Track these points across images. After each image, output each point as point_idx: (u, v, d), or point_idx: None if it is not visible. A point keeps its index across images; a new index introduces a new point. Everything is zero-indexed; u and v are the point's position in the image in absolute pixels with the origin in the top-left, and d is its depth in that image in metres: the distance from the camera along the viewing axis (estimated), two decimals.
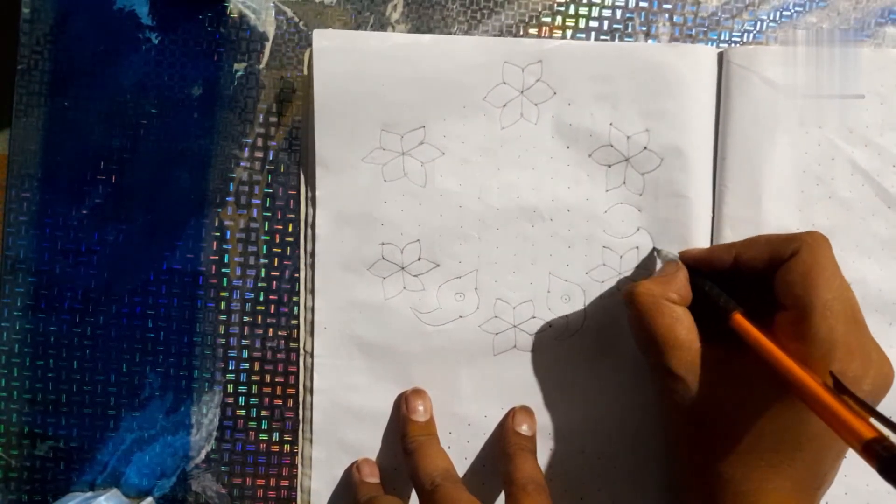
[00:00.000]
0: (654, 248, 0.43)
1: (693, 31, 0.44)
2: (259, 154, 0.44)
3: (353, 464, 0.43)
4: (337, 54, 0.42)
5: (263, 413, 0.44)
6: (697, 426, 0.37)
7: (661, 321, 0.36)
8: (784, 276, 0.35)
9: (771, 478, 0.34)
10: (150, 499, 0.44)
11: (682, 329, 0.36)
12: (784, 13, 0.44)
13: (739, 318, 0.36)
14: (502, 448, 0.42)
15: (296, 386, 0.44)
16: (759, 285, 0.37)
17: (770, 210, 0.42)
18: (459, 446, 0.43)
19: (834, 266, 0.34)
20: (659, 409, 0.42)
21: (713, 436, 0.36)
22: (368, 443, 0.43)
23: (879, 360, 0.34)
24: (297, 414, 0.44)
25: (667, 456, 0.43)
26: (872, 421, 0.30)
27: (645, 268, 0.43)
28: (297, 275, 0.44)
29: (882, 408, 0.32)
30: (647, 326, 0.37)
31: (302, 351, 0.44)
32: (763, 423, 0.34)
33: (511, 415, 0.43)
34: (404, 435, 0.41)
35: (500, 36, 0.44)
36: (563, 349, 0.43)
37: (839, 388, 0.31)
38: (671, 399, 0.37)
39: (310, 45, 0.43)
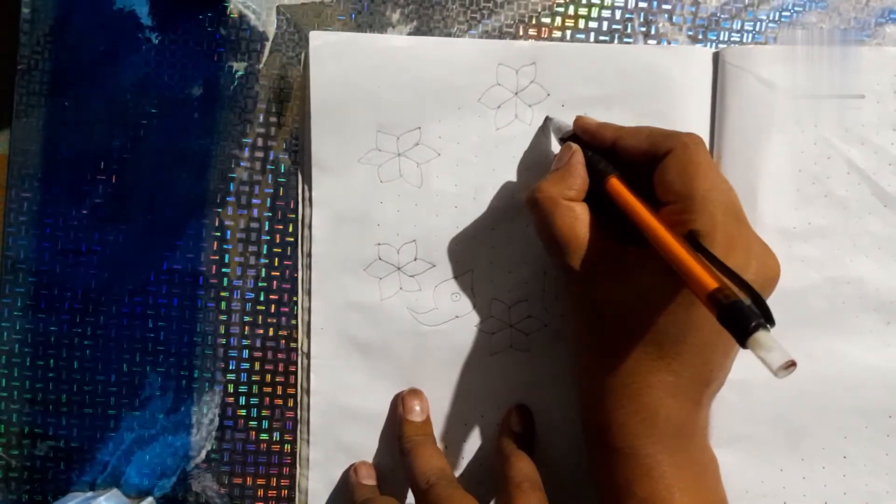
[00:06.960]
0: (546, 117, 0.43)
1: (692, 32, 0.44)
2: (259, 154, 0.44)
3: (350, 466, 0.43)
4: (333, 55, 0.42)
5: (263, 413, 0.44)
6: (595, 324, 0.37)
7: (560, 221, 0.37)
8: (662, 174, 0.35)
9: (655, 371, 0.35)
10: (150, 499, 0.44)
11: (580, 227, 0.37)
12: (783, 13, 0.44)
13: (615, 181, 0.36)
14: (498, 447, 0.42)
15: (296, 386, 0.44)
16: (643, 182, 0.37)
17: (766, 209, 0.42)
18: (456, 446, 0.43)
19: (709, 161, 0.35)
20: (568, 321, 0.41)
21: (606, 331, 0.36)
22: (366, 443, 0.43)
23: (763, 254, 0.35)
24: (297, 414, 0.44)
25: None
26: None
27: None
28: (296, 275, 0.44)
29: None
30: (548, 228, 0.37)
31: (299, 352, 0.44)
32: (650, 314, 0.34)
33: (508, 414, 0.43)
34: (401, 435, 0.42)
35: (499, 36, 0.44)
36: (559, 348, 0.43)
37: (696, 247, 0.32)
38: (574, 301, 0.38)
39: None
